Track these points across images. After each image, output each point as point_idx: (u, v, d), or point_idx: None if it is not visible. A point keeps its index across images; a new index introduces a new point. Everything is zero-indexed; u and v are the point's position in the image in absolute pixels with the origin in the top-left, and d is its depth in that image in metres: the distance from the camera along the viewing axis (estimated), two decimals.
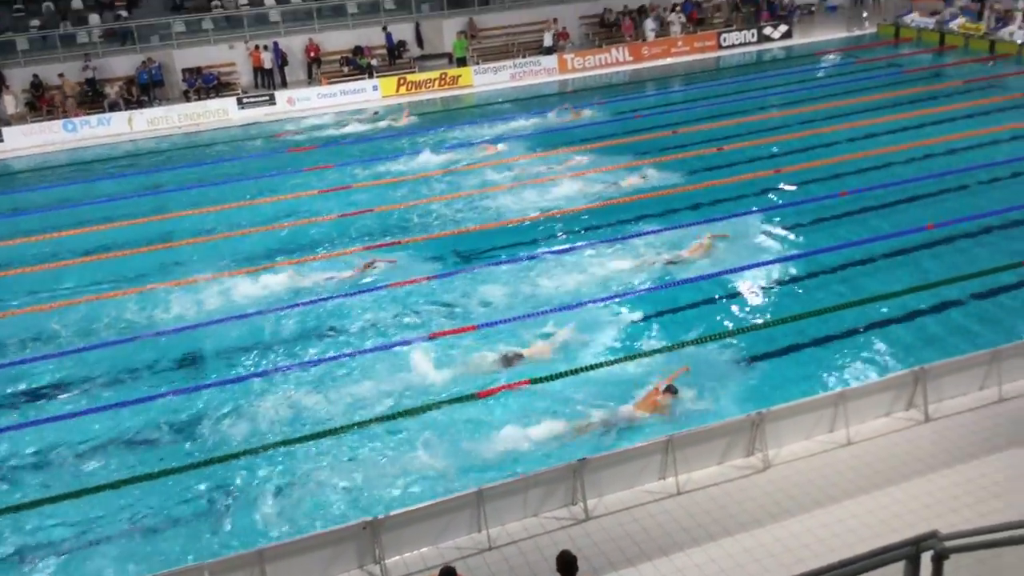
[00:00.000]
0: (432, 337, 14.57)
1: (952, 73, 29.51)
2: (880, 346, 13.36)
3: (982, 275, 15.16)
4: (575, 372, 13.17)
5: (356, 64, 33.00)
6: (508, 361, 13.58)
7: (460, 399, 12.76)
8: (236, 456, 11.92)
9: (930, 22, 34.14)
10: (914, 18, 34.86)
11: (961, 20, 33.35)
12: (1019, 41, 30.64)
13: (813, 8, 39.24)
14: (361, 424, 12.39)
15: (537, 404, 12.51)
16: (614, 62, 34.08)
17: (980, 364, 11.73)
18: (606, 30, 35.80)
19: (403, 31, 34.34)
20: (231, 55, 32.83)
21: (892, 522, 9.59)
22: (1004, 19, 32.39)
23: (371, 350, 14.36)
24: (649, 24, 35.21)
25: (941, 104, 25.47)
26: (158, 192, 23.49)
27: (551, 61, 33.56)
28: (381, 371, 13.74)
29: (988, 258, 15.82)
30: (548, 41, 34.27)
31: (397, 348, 14.35)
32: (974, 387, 11.78)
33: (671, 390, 12.18)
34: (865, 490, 10.16)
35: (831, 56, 33.39)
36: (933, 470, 10.40)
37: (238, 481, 11.52)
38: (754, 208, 18.99)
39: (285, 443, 12.11)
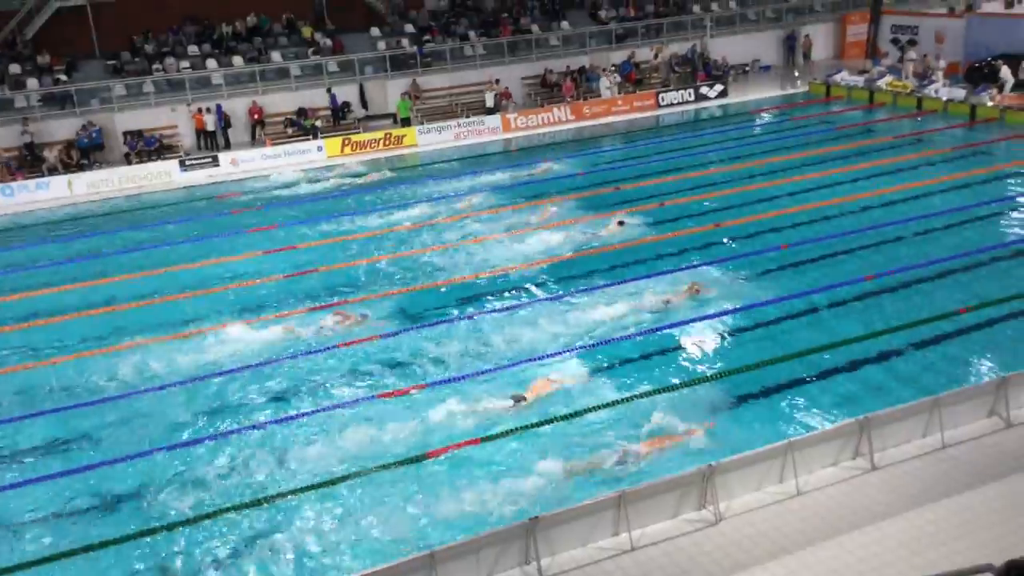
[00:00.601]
0: (380, 397, 14.46)
1: (882, 129, 30.57)
2: (824, 396, 13.54)
3: (921, 324, 15.55)
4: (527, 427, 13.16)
5: (300, 125, 33.06)
6: (516, 401, 13.78)
7: (408, 460, 12.62)
8: (177, 526, 11.60)
9: (859, 80, 35.42)
10: (844, 76, 36.14)
11: (889, 78, 34.65)
12: (944, 98, 31.91)
13: (747, 68, 40.47)
14: (313, 487, 12.17)
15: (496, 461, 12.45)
16: (556, 121, 34.67)
17: (922, 412, 11.97)
18: (547, 90, 36.47)
19: (347, 92, 34.58)
20: (173, 117, 32.66)
21: (844, 572, 9.66)
22: (924, 75, 33.78)
23: (317, 411, 14.18)
24: (605, 82, 36.07)
25: (873, 159, 26.30)
26: (99, 256, 23.08)
27: (494, 120, 34.01)
28: (331, 431, 13.57)
29: (926, 307, 16.24)
30: (490, 102, 34.77)
31: (339, 410, 14.19)
32: (917, 434, 12.00)
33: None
34: (816, 541, 10.23)
35: (766, 114, 34.39)
36: (882, 518, 10.52)
37: (176, 549, 11.21)
38: (695, 262, 19.30)
39: (225, 511, 11.83)
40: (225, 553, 11.09)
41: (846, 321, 16.07)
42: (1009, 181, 23.89)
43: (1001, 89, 30.99)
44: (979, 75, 33.16)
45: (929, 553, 9.84)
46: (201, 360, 16.27)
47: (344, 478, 12.38)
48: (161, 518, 11.86)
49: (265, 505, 11.94)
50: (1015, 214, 21.29)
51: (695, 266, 18.99)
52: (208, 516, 11.76)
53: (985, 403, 12.37)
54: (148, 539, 11.41)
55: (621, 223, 21.51)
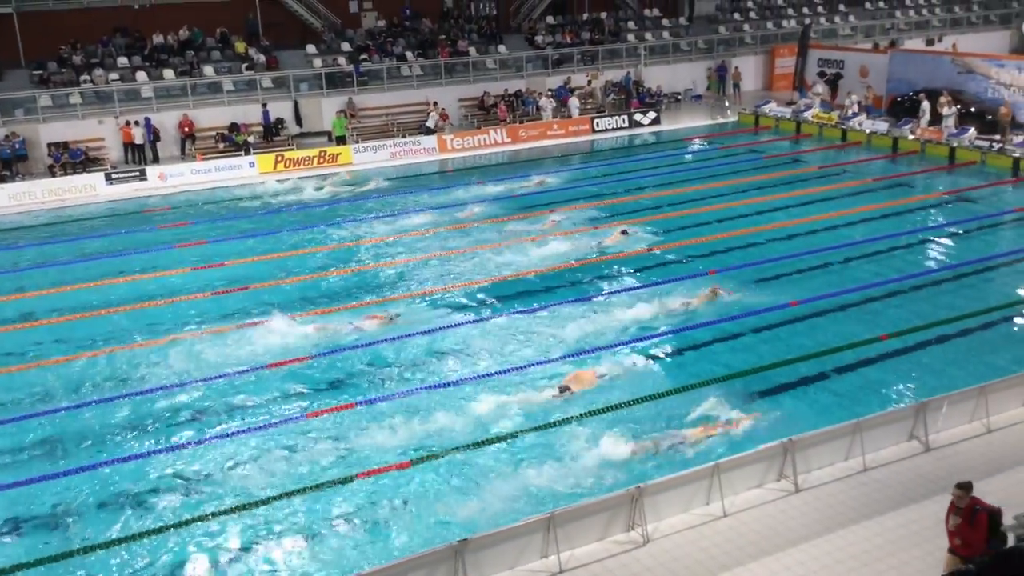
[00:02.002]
0: (310, 416, 14.26)
1: (808, 159, 31.40)
2: (748, 420, 13.67)
3: (844, 349, 15.92)
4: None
5: (232, 140, 32.59)
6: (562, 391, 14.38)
7: (339, 481, 12.44)
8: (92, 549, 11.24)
9: (787, 112, 36.37)
10: (772, 107, 37.08)
11: (815, 110, 35.67)
12: (867, 130, 32.94)
13: (679, 97, 41.25)
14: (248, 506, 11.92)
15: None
16: (492, 143, 34.81)
17: (844, 435, 12.24)
18: (484, 113, 36.63)
19: (281, 109, 34.23)
20: (100, 130, 31.89)
21: None
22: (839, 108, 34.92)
23: (237, 433, 13.93)
24: (547, 104, 36.45)
25: (799, 188, 26.99)
26: (18, 270, 22.32)
27: (431, 141, 34.00)
28: (396, 419, 14.06)
29: (849, 333, 16.63)
30: (431, 122, 34.79)
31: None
32: (840, 457, 12.26)
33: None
34: (741, 562, 10.35)
35: (697, 142, 35.05)
36: (805, 540, 10.70)
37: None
38: (624, 286, 19.50)
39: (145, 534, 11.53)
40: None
41: (771, 345, 16.37)
42: (928, 212, 24.74)
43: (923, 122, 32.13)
44: (901, 109, 34.34)
45: (852, 575, 10.03)
46: (123, 375, 15.84)
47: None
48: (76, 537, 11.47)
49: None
50: (934, 244, 22.02)
51: (621, 291, 19.18)
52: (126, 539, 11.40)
53: (905, 427, 12.71)
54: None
55: (625, 232, 22.54)
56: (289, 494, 12.26)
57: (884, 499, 11.48)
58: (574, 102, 37.16)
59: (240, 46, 35.71)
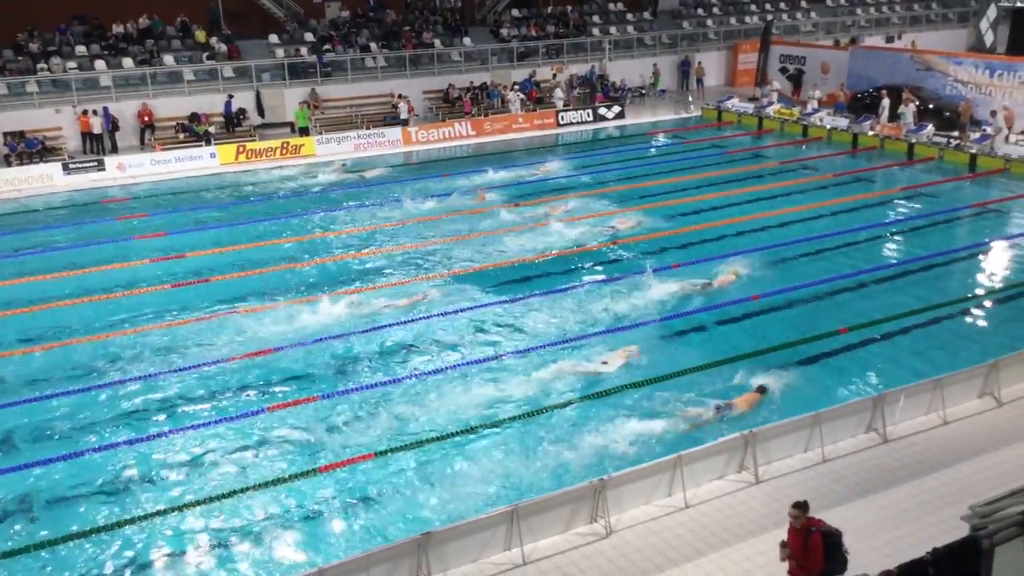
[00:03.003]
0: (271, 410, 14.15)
1: (770, 154, 31.70)
2: (709, 413, 13.77)
3: (804, 342, 16.09)
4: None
5: (193, 131, 32.17)
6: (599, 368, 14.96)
7: (302, 474, 12.37)
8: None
9: (749, 107, 36.69)
10: (734, 103, 37.38)
11: (777, 106, 36.01)
12: (828, 126, 33.32)
13: (644, 91, 41.43)
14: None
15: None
16: (457, 136, 34.71)
17: (804, 427, 12.39)
18: (449, 105, 36.51)
19: (243, 99, 33.84)
20: (57, 119, 31.35)
21: None
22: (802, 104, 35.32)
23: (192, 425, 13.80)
24: (514, 97, 36.47)
25: (761, 183, 27.24)
26: None
27: (395, 133, 33.83)
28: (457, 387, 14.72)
29: (811, 326, 16.82)
30: (404, 114, 34.76)
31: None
32: (799, 449, 12.42)
33: (762, 389, 13.99)
34: (703, 553, 10.45)
35: (661, 136, 35.23)
36: (765, 530, 10.83)
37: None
38: (589, 279, 19.57)
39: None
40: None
41: (733, 337, 16.52)
42: (886, 207, 25.09)
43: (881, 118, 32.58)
44: (861, 105, 34.78)
45: None
46: (87, 365, 15.60)
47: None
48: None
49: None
50: (893, 238, 22.35)
51: (583, 284, 19.25)
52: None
53: (863, 419, 12.90)
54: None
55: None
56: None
57: (842, 490, 11.65)
58: (559, 92, 37.38)
59: (201, 35, 35.24)
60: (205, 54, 34.39)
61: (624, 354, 15.50)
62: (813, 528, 8.89)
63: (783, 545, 8.99)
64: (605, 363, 15.26)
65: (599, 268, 20.37)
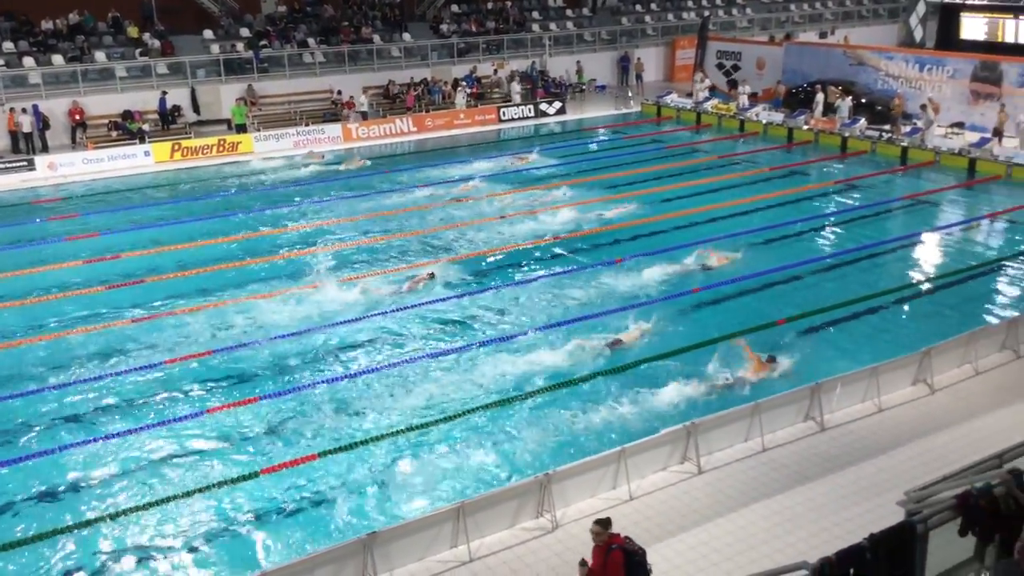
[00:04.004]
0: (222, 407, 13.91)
1: (708, 149, 32.11)
2: (652, 405, 13.87)
3: (742, 334, 16.26)
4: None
5: (126, 129, 31.46)
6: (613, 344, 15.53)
7: (243, 477, 12.19)
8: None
9: (687, 103, 37.13)
10: (673, 98, 37.78)
11: (714, 101, 36.50)
12: (764, 121, 33.87)
13: (584, 87, 41.65)
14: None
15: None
16: (399, 132, 34.51)
17: (744, 417, 12.58)
18: (389, 101, 36.27)
19: (178, 96, 33.21)
20: None
21: (672, 574, 10.00)
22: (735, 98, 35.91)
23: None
24: (461, 94, 36.42)
25: (700, 177, 27.58)
26: None
27: (335, 129, 33.49)
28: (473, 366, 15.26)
29: (747, 318, 17.05)
30: (366, 107, 34.64)
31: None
32: (740, 439, 12.60)
33: (771, 359, 14.71)
34: (647, 544, 10.44)
35: (601, 131, 35.45)
36: (708, 520, 10.97)
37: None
38: (539, 273, 19.63)
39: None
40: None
41: (675, 329, 16.66)
42: (822, 200, 25.58)
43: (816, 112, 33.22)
44: (796, 100, 35.43)
45: (751, 552, 10.33)
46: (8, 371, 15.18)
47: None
48: None
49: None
50: (828, 231, 22.80)
51: (534, 279, 19.30)
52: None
53: (801, 408, 13.14)
54: None
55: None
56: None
57: (782, 478, 11.85)
58: (515, 87, 37.41)
59: (133, 31, 34.50)
60: (138, 50, 33.66)
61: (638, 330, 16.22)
62: (614, 545, 8.50)
63: (582, 564, 8.56)
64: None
65: (546, 263, 20.41)
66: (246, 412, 13.98)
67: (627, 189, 26.14)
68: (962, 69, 32.48)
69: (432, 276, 19.09)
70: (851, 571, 7.67)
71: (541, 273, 19.75)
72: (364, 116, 34.49)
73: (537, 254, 21.05)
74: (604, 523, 8.70)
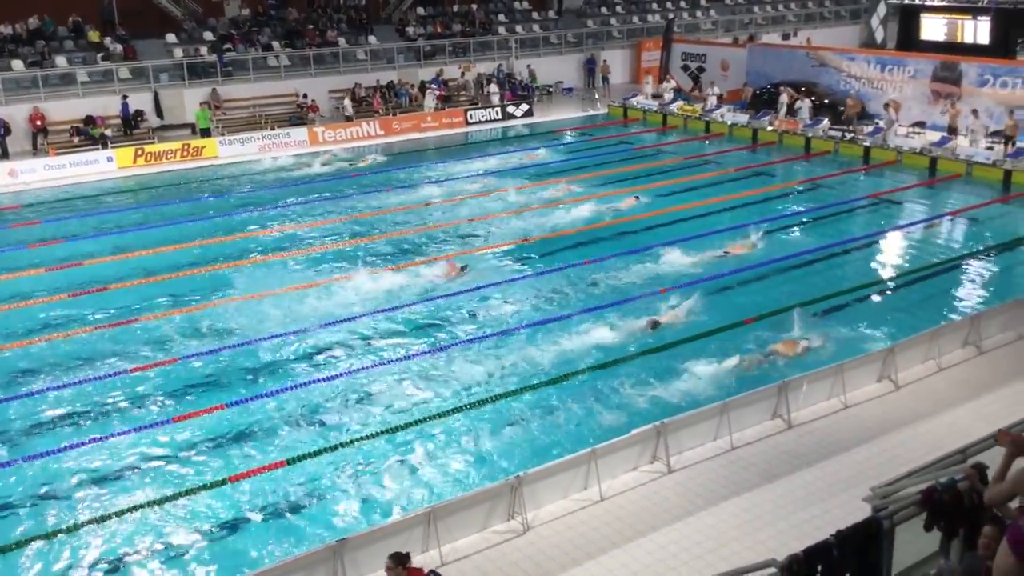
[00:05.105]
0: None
1: (674, 150, 32.30)
2: (619, 406, 13.91)
3: (709, 334, 16.40)
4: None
5: (88, 134, 31.05)
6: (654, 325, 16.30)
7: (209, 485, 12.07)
8: None
9: (653, 104, 37.33)
10: (640, 100, 37.98)
11: (680, 103, 36.74)
12: (729, 122, 34.15)
13: (551, 89, 41.73)
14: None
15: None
16: (365, 136, 34.34)
17: (713, 416, 12.67)
18: (356, 104, 36.10)
19: (141, 101, 32.84)
20: None
21: (643, 574, 10.05)
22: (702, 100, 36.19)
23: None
24: (430, 96, 36.36)
25: (667, 178, 27.73)
26: None
27: (301, 133, 33.28)
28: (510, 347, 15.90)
29: (714, 319, 17.13)
30: (349, 111, 34.67)
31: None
32: (709, 438, 12.68)
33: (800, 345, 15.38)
34: (618, 544, 10.58)
35: (569, 133, 35.54)
36: (678, 519, 11.03)
37: None
38: (510, 277, 19.63)
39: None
40: None
41: (643, 332, 16.73)
42: (786, 200, 25.83)
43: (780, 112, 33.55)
44: (760, 101, 35.77)
45: (722, 550, 10.41)
46: None
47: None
48: None
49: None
50: (792, 230, 23.01)
51: (498, 283, 19.31)
52: None
53: (769, 406, 13.26)
54: None
55: (637, 197, 24.91)
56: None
57: (751, 476, 11.95)
58: (493, 88, 37.63)
59: (95, 35, 34.04)
60: (99, 55, 33.24)
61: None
62: None
63: None
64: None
65: (515, 265, 20.42)
66: (212, 419, 13.83)
67: (593, 191, 26.18)
68: (923, 69, 32.96)
69: (464, 267, 19.94)
70: (819, 568, 7.74)
71: (527, 273, 19.76)
72: (350, 119, 34.59)
73: (509, 256, 21.04)
74: (397, 558, 8.29)
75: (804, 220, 23.79)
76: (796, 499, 11.40)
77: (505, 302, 18.25)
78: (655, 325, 16.46)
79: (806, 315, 16.70)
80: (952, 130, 29.55)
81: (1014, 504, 7.20)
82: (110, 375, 15.30)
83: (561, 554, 10.43)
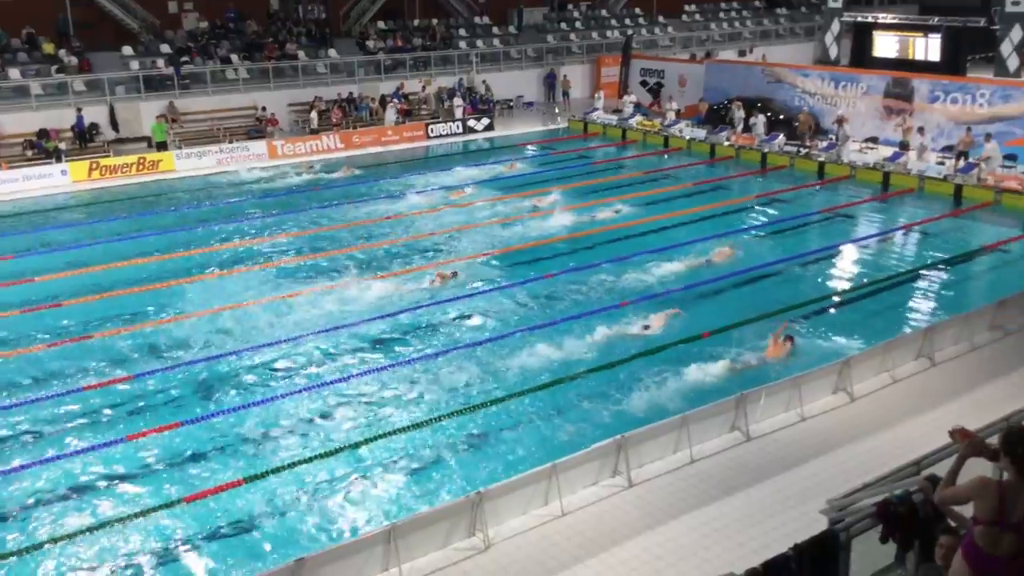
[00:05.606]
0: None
1: (633, 165, 32.55)
2: (583, 419, 13.98)
3: (669, 347, 16.49)
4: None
5: (42, 147, 30.54)
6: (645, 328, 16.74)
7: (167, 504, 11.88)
8: None
9: (613, 119, 37.62)
10: (599, 115, 38.26)
11: (639, 118, 37.07)
12: (688, 137, 34.50)
13: (511, 103, 41.89)
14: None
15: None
16: (325, 149, 34.17)
17: (673, 429, 12.73)
18: (316, 117, 35.92)
19: (96, 114, 32.39)
20: None
21: None
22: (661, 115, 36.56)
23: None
24: (391, 110, 36.40)
25: (626, 192, 27.92)
26: None
27: (260, 147, 33.03)
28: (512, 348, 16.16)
29: (673, 332, 17.20)
30: (315, 124, 34.83)
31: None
32: (669, 451, 12.74)
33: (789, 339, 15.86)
34: (580, 559, 10.58)
35: (529, 148, 35.67)
36: (639, 533, 11.05)
37: None
38: (470, 292, 19.61)
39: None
40: None
41: (605, 345, 16.79)
42: (743, 214, 26.13)
43: (737, 128, 33.96)
44: (717, 117, 36.20)
45: (681, 564, 10.44)
46: None
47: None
48: None
49: None
50: (750, 245, 23.24)
51: (462, 297, 19.29)
52: None
53: (728, 419, 13.36)
54: None
55: (617, 211, 25.18)
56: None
57: (710, 488, 12.02)
58: (457, 101, 37.57)
59: (49, 47, 33.57)
60: (54, 67, 32.76)
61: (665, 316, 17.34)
62: None
63: None
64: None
65: (480, 283, 20.43)
66: (167, 438, 13.62)
67: (555, 205, 26.26)
68: (875, 85, 33.61)
69: (455, 273, 20.17)
70: None
71: (491, 288, 19.75)
72: (328, 129, 34.71)
73: (470, 270, 21.02)
74: None
75: (760, 234, 24.05)
76: (755, 512, 11.48)
77: (464, 316, 18.25)
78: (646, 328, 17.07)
79: (764, 327, 16.89)
80: (904, 146, 30.18)
81: (967, 513, 7.30)
82: (63, 393, 15.01)
83: (523, 570, 10.41)
